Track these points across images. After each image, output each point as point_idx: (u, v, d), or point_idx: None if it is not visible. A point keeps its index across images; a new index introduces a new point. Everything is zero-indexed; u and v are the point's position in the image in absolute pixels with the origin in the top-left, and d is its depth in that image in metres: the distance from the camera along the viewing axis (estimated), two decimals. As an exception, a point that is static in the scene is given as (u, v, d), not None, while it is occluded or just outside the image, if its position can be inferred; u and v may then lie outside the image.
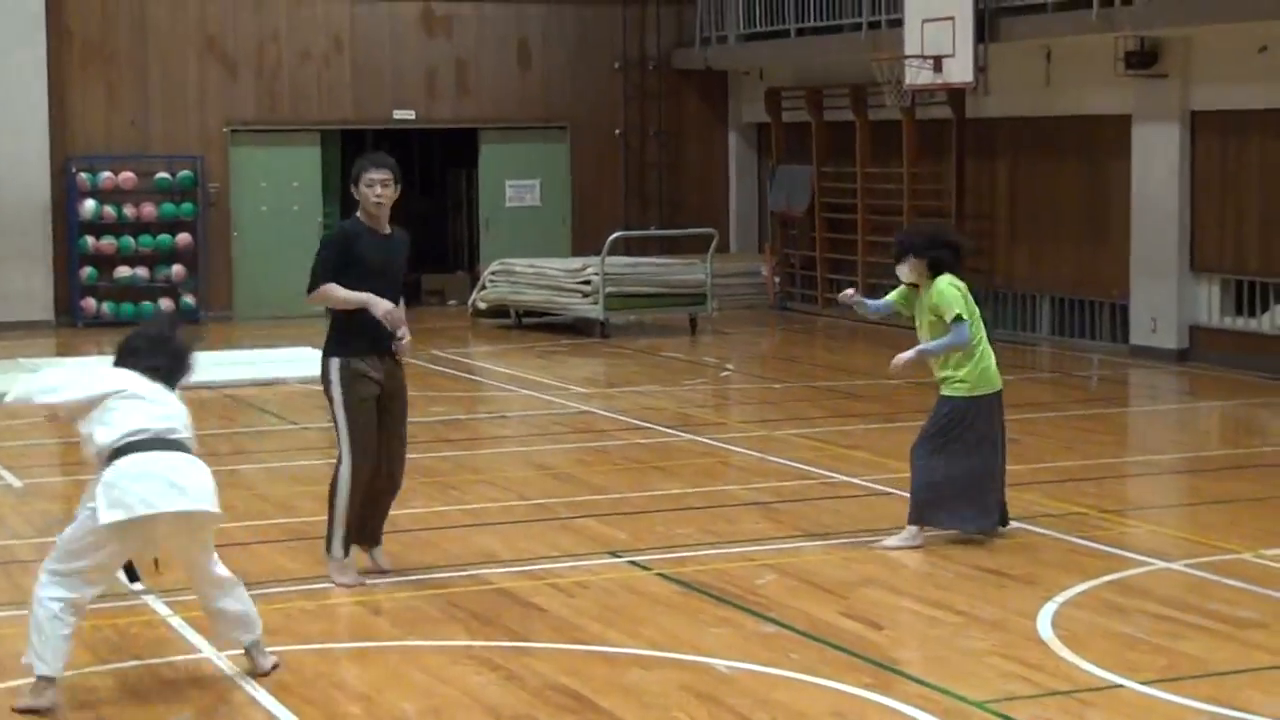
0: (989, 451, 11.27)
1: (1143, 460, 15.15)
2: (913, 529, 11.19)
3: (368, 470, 10.19)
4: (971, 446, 11.19)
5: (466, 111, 27.46)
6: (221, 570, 8.53)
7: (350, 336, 10.20)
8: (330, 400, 10.24)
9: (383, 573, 10.47)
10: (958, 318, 11.05)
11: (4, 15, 24.57)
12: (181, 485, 8.10)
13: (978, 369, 11.20)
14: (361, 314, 10.08)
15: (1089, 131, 21.77)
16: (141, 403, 8.27)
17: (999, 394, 11.38)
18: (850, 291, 11.89)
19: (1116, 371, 20.09)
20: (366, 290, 10.08)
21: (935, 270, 11.23)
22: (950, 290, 11.13)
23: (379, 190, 10.28)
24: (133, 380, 8.37)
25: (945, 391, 11.25)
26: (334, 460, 10.29)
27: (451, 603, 9.98)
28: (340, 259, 10.17)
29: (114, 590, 10.30)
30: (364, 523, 10.39)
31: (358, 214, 10.47)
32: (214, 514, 8.32)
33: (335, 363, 10.20)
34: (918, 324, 11.40)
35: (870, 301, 11.66)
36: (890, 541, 11.20)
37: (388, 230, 10.38)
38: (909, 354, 11.27)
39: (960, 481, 11.15)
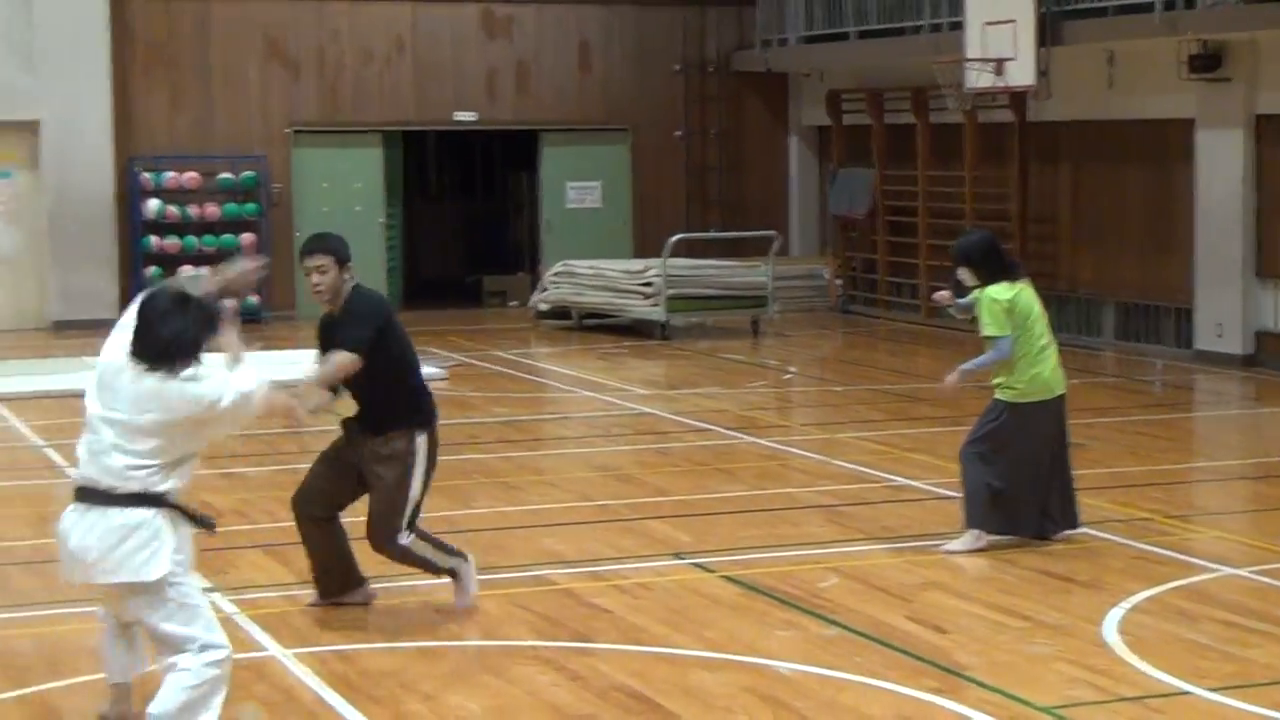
0: (1041, 458, 11.22)
1: (1208, 466, 15.08)
2: (974, 532, 11.16)
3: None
4: (1022, 453, 11.15)
5: (527, 113, 27.50)
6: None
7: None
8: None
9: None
10: (989, 338, 11.02)
11: (69, 17, 24.72)
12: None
13: (1028, 375, 11.14)
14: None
15: (1152, 136, 21.66)
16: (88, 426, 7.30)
17: (1058, 400, 11.32)
18: (945, 293, 11.86)
19: (1181, 377, 19.99)
20: None
21: (986, 280, 11.19)
22: (989, 307, 11.08)
23: (314, 280, 9.52)
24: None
25: (997, 395, 11.23)
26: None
27: (516, 603, 10.00)
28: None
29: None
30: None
31: None
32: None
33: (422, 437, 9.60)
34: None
35: (960, 300, 11.63)
36: (953, 545, 11.17)
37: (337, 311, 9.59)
38: (953, 376, 11.25)
39: (1010, 488, 11.11)
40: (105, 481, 7.16)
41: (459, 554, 9.85)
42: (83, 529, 7.22)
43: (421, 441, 9.53)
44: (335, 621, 9.66)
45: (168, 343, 7.16)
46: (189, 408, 7.16)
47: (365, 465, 9.52)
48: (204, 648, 7.17)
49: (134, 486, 7.13)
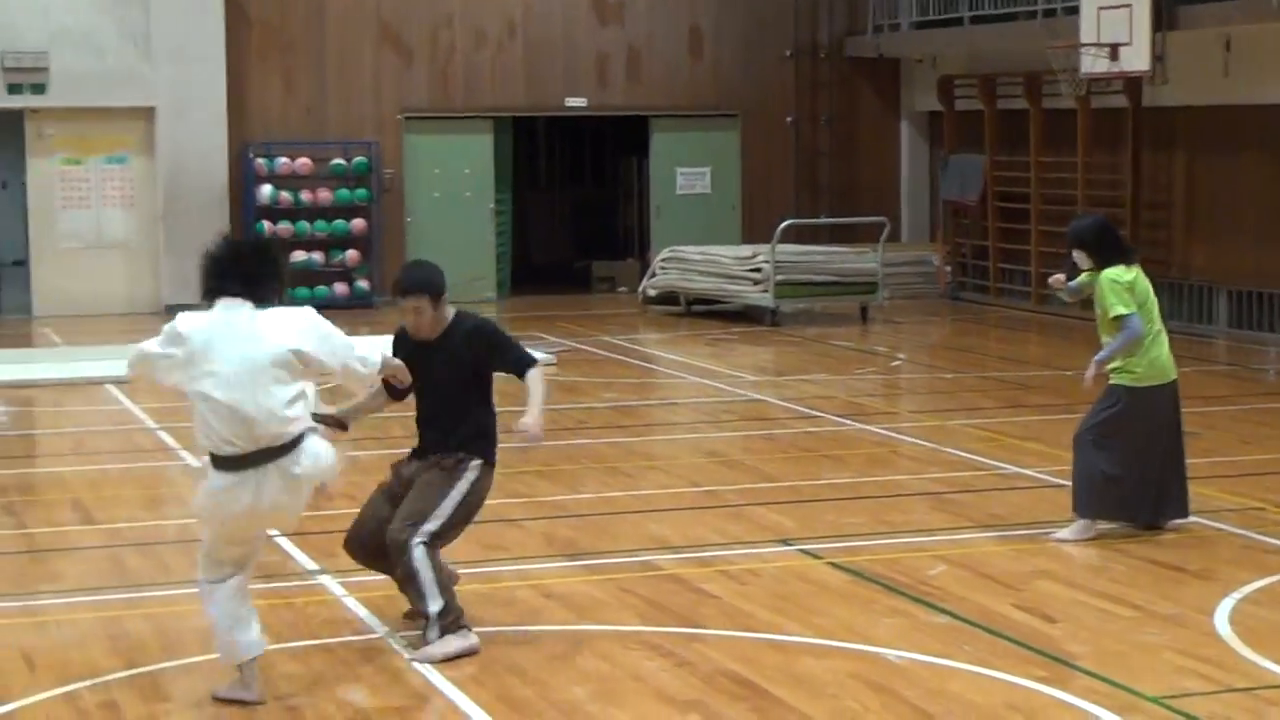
0: (1156, 443, 11.14)
1: (1322, 455, 14.89)
2: (1084, 521, 11.09)
3: None
4: (1137, 438, 11.06)
5: (638, 99, 27.51)
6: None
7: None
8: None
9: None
10: (1119, 316, 10.94)
11: (185, 3, 24.93)
12: None
13: (1146, 358, 11.07)
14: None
15: (1269, 122, 21.41)
16: None
17: (1173, 384, 11.23)
18: (1059, 277, 11.77)
19: (1295, 365, 19.79)
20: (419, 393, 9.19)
21: (1101, 263, 11.11)
22: (1111, 287, 11.00)
23: (411, 320, 9.16)
24: None
25: (1114, 380, 11.14)
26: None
27: (623, 588, 10.02)
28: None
29: (290, 570, 10.48)
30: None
31: None
32: None
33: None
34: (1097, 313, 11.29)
35: (1071, 284, 11.54)
36: (1063, 534, 11.10)
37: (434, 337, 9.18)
38: (1090, 371, 11.15)
39: (1125, 474, 11.02)
40: None
41: (459, 612, 8.82)
42: None
43: (487, 472, 9.12)
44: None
45: None
46: None
47: (418, 476, 9.07)
48: None
49: None
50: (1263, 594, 9.81)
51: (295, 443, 7.88)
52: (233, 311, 7.95)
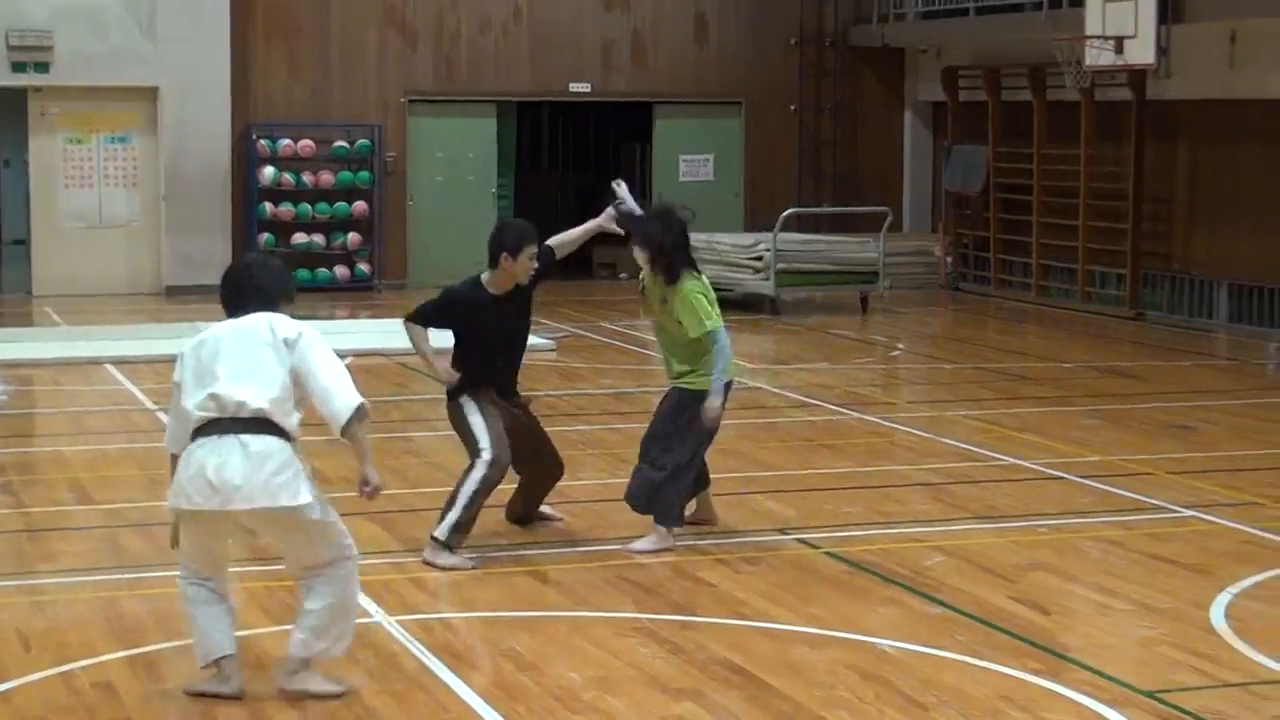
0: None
1: (1321, 451, 14.90)
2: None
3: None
4: (698, 435, 10.67)
5: (642, 85, 27.50)
6: (318, 567, 7.93)
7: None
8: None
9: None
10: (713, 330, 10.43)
11: (190, -17, 24.96)
12: (219, 484, 7.70)
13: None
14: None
15: (1273, 115, 21.40)
16: (213, 364, 7.87)
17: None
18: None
19: (1295, 360, 19.78)
20: (490, 354, 10.56)
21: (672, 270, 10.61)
22: (700, 300, 10.47)
23: (536, 263, 10.68)
24: (215, 330, 8.00)
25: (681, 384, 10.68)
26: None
27: (619, 575, 10.03)
28: (459, 325, 10.59)
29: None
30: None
31: (485, 281, 10.60)
32: (275, 509, 7.76)
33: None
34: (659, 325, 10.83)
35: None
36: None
37: (504, 291, 10.70)
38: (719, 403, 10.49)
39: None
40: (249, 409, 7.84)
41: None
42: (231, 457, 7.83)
43: None
44: (440, 589, 9.74)
45: None
46: None
47: (527, 420, 10.71)
48: None
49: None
50: (1259, 589, 9.83)
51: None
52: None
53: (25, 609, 9.34)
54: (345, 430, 7.73)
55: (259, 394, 7.72)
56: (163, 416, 15.10)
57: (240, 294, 8.05)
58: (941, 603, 9.50)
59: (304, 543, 7.84)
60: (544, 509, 11.18)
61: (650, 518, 10.63)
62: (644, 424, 12.90)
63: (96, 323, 21.62)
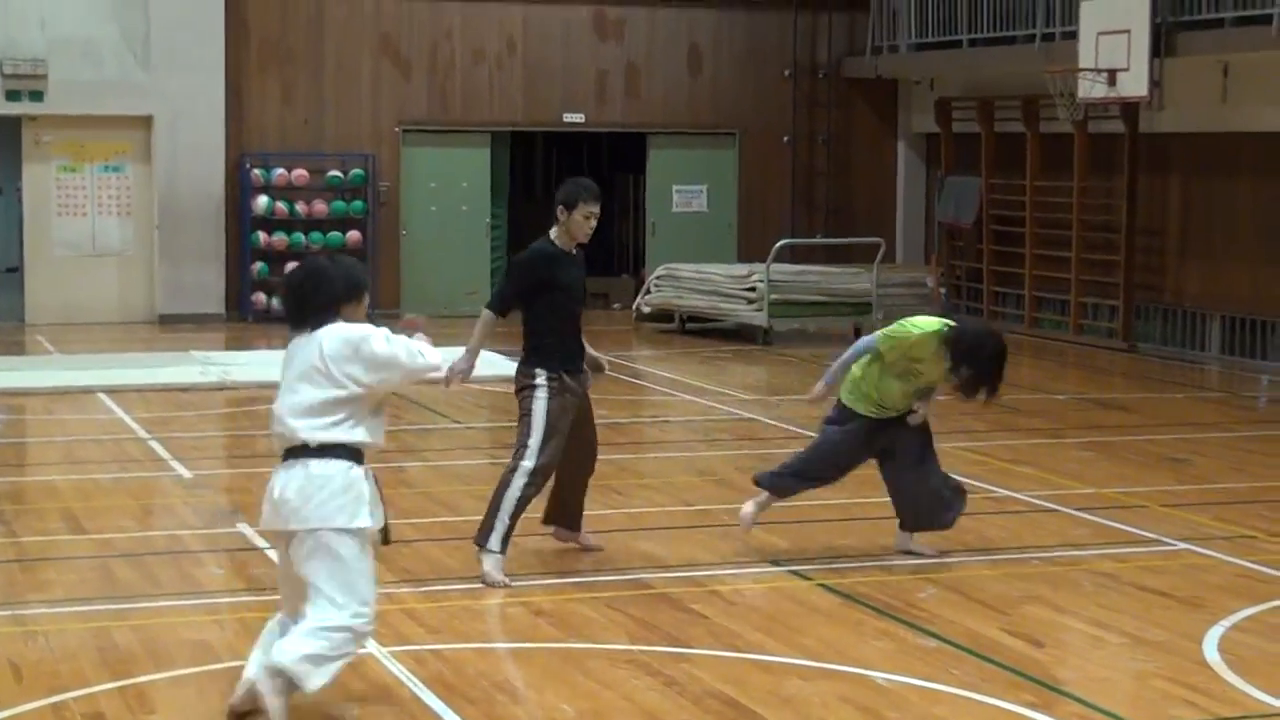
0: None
1: (1314, 484, 14.90)
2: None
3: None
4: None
5: (636, 116, 27.55)
6: (309, 601, 7.83)
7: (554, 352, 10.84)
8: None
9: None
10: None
11: (184, 12, 24.97)
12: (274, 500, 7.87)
13: None
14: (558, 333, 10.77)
15: (1265, 149, 21.45)
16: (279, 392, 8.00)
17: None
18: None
19: (1288, 393, 19.79)
20: (562, 309, 10.81)
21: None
22: None
23: (593, 224, 10.89)
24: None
25: None
26: (501, 458, 10.32)
27: (612, 606, 10.01)
28: (536, 280, 10.74)
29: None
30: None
31: (553, 237, 10.86)
32: (297, 530, 7.81)
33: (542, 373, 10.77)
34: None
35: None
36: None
37: (573, 250, 10.95)
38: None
39: None
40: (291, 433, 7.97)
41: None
42: (283, 476, 7.96)
43: None
44: (433, 621, 9.72)
45: None
46: None
47: (585, 403, 11.08)
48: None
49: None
50: (1252, 622, 9.82)
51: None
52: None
53: (16, 639, 9.30)
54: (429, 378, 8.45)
55: (301, 425, 7.83)
56: (156, 446, 15.13)
57: (293, 310, 8.05)
58: (935, 635, 9.48)
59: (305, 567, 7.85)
60: (586, 538, 11.27)
61: None
62: (636, 455, 12.89)
63: (89, 351, 21.59)
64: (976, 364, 10.72)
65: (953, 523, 11.28)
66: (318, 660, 7.66)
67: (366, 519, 7.81)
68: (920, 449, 11.20)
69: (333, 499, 7.75)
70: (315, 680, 7.66)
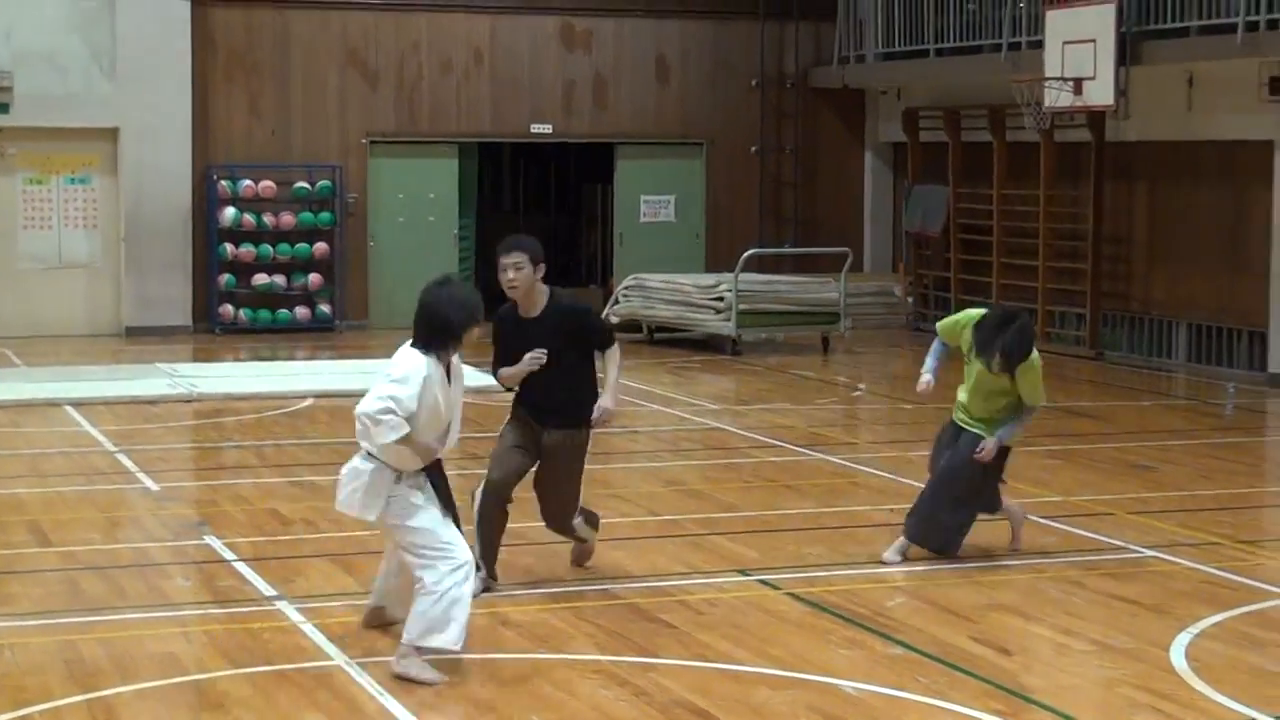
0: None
1: (1280, 491, 14.97)
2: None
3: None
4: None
5: (603, 126, 27.54)
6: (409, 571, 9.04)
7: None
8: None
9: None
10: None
11: (151, 24, 24.90)
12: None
13: None
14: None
15: (1230, 157, 21.53)
16: None
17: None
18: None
19: (1254, 400, 19.83)
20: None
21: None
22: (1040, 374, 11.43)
23: (510, 275, 10.60)
24: None
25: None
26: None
27: (581, 617, 10.01)
28: (501, 345, 10.65)
29: (247, 595, 10.45)
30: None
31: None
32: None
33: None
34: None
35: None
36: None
37: (534, 313, 10.66)
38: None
39: None
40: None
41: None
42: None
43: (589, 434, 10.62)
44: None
45: None
46: None
47: (554, 454, 10.45)
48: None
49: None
50: (1219, 629, 9.84)
51: None
52: None
53: (-18, 653, 9.27)
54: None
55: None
56: (123, 458, 15.08)
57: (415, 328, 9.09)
58: (903, 644, 9.49)
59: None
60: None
61: None
62: (604, 465, 12.87)
63: (56, 364, 21.53)
64: (981, 331, 11.34)
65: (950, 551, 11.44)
66: None
67: None
68: (966, 480, 11.35)
69: None
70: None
